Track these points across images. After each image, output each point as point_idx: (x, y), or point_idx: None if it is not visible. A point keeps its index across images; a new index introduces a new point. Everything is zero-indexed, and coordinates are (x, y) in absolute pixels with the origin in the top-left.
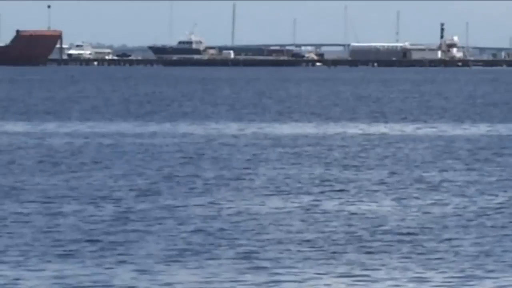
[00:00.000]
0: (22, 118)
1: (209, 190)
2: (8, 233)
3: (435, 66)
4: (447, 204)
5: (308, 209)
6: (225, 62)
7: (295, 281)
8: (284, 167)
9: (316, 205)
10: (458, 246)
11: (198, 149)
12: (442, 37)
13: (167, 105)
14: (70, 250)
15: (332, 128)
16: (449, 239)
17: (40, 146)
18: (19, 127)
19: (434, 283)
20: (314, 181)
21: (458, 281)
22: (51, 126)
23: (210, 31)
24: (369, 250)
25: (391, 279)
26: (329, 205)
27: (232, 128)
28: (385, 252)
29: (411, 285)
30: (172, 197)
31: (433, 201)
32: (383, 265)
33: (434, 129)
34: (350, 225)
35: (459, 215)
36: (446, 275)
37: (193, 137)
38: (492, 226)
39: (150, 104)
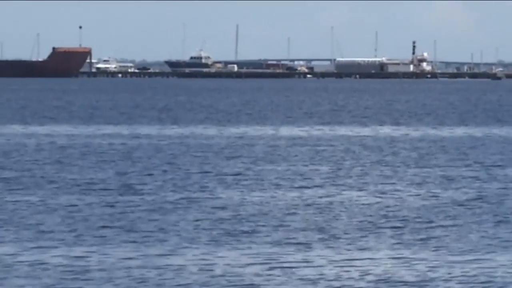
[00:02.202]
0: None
1: (232, 183)
2: (68, 219)
3: (408, 77)
4: (435, 195)
5: (317, 199)
6: (230, 75)
7: (314, 262)
8: (296, 163)
9: (323, 196)
10: (447, 230)
11: (225, 148)
12: (413, 53)
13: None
14: (114, 235)
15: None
16: (439, 225)
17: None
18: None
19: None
20: (322, 175)
21: (452, 259)
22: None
23: (217, 48)
24: (371, 233)
25: (393, 258)
26: (335, 196)
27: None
28: (387, 236)
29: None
30: (202, 189)
31: (423, 192)
32: (382, 244)
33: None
34: (356, 213)
35: (446, 205)
36: (438, 255)
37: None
38: (472, 214)
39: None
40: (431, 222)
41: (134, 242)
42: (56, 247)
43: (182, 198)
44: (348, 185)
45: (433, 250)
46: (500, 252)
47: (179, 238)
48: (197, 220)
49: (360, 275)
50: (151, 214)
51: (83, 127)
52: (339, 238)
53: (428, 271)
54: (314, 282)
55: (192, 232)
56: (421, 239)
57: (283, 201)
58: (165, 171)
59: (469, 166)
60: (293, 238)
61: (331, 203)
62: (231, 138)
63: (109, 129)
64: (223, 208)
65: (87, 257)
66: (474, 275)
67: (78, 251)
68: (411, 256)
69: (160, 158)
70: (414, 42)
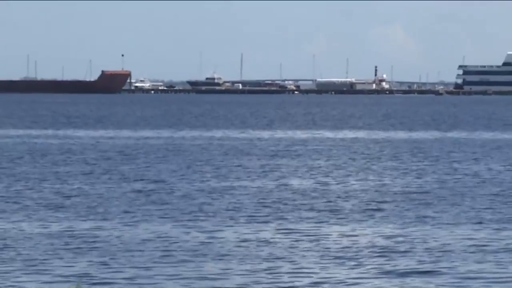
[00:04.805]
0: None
1: (248, 175)
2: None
3: (371, 93)
4: (408, 183)
5: (321, 188)
6: (236, 91)
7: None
8: (301, 159)
9: (325, 185)
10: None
11: (242, 147)
12: (376, 75)
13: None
14: (155, 215)
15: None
16: (421, 207)
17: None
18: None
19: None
20: (322, 169)
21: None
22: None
23: (226, 71)
24: (366, 213)
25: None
26: (334, 184)
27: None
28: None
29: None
30: (226, 179)
31: (399, 180)
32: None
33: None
34: (353, 197)
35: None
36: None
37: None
38: (441, 198)
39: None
40: (414, 204)
41: (183, 220)
42: (122, 224)
43: (215, 187)
44: (347, 176)
45: (418, 226)
46: (468, 225)
47: (219, 217)
48: (230, 203)
49: (364, 246)
50: (196, 198)
51: (138, 131)
52: (347, 216)
53: (419, 242)
54: (323, 251)
55: (228, 213)
56: (406, 217)
57: (297, 189)
58: (201, 165)
59: (435, 162)
60: (308, 217)
61: (335, 189)
62: (248, 140)
63: (153, 133)
64: (250, 194)
65: (142, 232)
66: (450, 244)
67: (136, 226)
68: (400, 231)
69: (199, 156)
70: (376, 67)
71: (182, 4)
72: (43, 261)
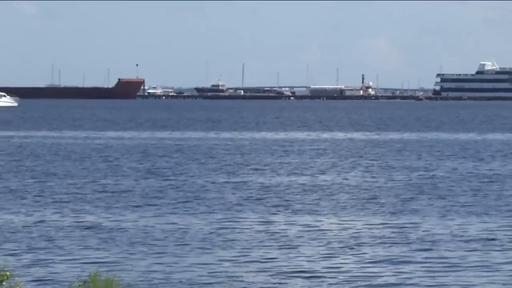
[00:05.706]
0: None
1: (253, 171)
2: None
3: (358, 99)
4: (392, 178)
5: (321, 184)
6: (238, 97)
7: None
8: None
9: (324, 180)
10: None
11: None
12: (363, 82)
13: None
14: (171, 208)
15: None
16: (408, 200)
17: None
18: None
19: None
20: (322, 166)
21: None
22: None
23: (229, 78)
24: (361, 206)
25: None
26: (334, 179)
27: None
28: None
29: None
30: (237, 176)
31: (387, 176)
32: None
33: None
34: (350, 192)
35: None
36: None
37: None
38: (427, 192)
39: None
40: (403, 198)
41: (198, 212)
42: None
43: (226, 182)
44: (343, 172)
45: (409, 218)
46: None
47: (230, 209)
48: (240, 196)
49: (359, 236)
50: (209, 192)
51: (154, 132)
52: (344, 209)
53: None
54: (322, 240)
55: (238, 206)
56: (398, 210)
57: (297, 184)
58: (213, 163)
59: (421, 159)
60: (309, 209)
61: (332, 185)
62: (251, 140)
63: (164, 134)
64: (256, 188)
65: (158, 223)
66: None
67: (155, 218)
68: (393, 223)
69: (210, 154)
70: (363, 75)
71: (191, 19)
72: (71, 249)
